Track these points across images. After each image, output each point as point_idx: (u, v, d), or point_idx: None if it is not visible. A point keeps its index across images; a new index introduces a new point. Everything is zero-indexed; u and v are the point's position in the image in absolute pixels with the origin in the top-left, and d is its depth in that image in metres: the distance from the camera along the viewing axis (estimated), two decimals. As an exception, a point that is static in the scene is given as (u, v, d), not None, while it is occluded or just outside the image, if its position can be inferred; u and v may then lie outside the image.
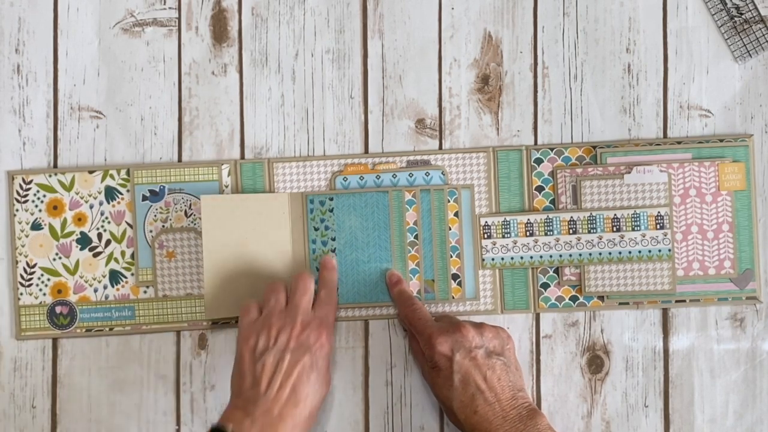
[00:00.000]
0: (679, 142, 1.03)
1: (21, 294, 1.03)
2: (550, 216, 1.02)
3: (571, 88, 1.04)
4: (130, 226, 1.04)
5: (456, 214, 1.03)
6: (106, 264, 1.03)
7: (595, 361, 1.03)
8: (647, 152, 1.02)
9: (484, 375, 0.93)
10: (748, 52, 1.03)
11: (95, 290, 1.03)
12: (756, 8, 1.03)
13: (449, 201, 1.03)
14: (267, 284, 0.98)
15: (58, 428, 1.03)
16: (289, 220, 1.02)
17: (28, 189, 1.04)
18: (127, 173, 1.04)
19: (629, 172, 1.02)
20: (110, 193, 1.04)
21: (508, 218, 1.03)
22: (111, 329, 1.03)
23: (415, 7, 1.05)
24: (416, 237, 1.03)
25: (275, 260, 1.02)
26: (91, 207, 1.04)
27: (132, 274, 1.04)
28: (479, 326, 0.96)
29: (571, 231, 1.02)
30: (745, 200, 1.02)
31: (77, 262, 1.03)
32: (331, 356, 0.98)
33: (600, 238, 1.02)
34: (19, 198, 1.04)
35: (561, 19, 1.05)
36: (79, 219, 1.04)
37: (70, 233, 1.04)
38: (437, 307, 1.03)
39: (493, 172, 1.03)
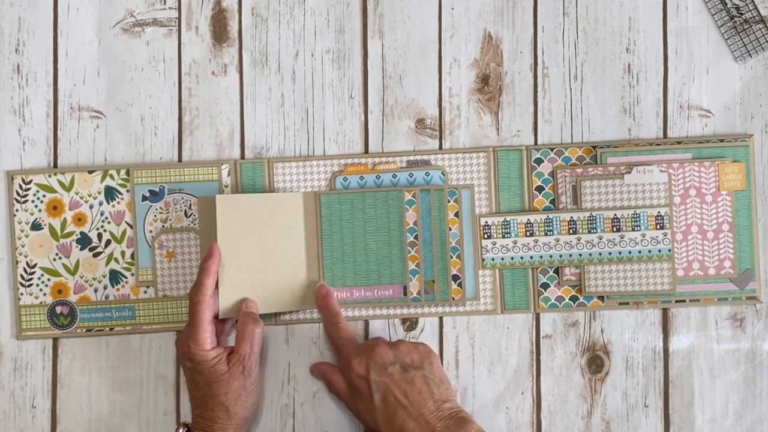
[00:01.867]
0: (679, 142, 1.03)
1: (21, 294, 1.03)
2: (550, 216, 1.02)
3: (571, 88, 1.04)
4: (130, 226, 1.04)
5: (456, 214, 1.03)
6: (106, 264, 1.03)
7: (595, 361, 1.03)
8: (647, 152, 1.02)
9: (404, 390, 0.92)
10: (748, 52, 1.03)
11: (95, 290, 1.03)
12: (756, 8, 1.03)
13: (449, 201, 1.03)
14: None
15: (58, 428, 1.03)
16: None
17: (28, 189, 1.04)
18: (127, 173, 1.04)
19: (629, 172, 1.02)
20: (110, 193, 1.04)
21: (508, 218, 1.03)
22: (111, 329, 1.03)
23: (415, 7, 1.05)
24: (416, 237, 1.03)
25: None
26: (91, 207, 1.04)
27: (132, 274, 1.04)
28: (395, 343, 0.96)
29: (571, 231, 1.02)
30: (745, 200, 1.02)
31: (77, 262, 1.03)
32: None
33: (600, 238, 1.02)
34: (18, 198, 1.04)
35: (561, 19, 1.05)
36: (79, 219, 1.04)
37: (70, 233, 1.04)
38: (437, 308, 1.03)
39: (493, 172, 1.03)
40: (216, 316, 0.97)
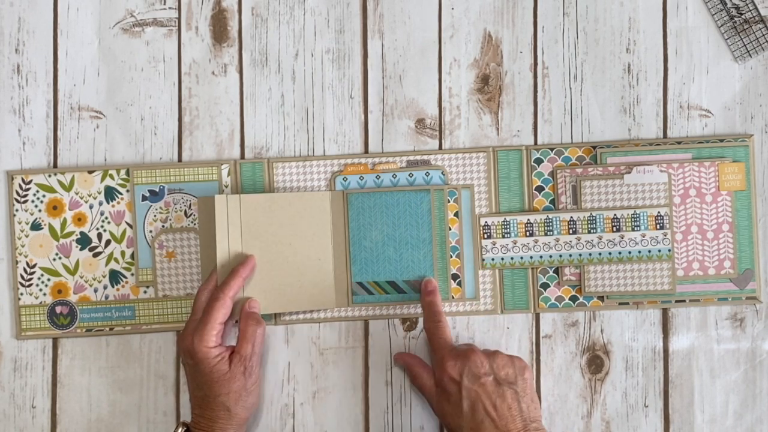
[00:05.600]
0: (679, 142, 1.03)
1: (21, 294, 1.03)
2: (550, 216, 1.02)
3: (571, 88, 1.04)
4: (130, 226, 1.04)
5: (456, 214, 1.03)
6: (106, 264, 1.04)
7: (595, 361, 1.03)
8: (647, 152, 1.02)
9: (494, 403, 0.92)
10: (748, 52, 1.03)
11: (95, 290, 1.03)
12: (756, 8, 1.03)
13: (449, 201, 1.03)
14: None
15: (58, 428, 1.03)
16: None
17: (28, 189, 1.04)
18: (127, 173, 1.04)
19: (629, 172, 1.02)
20: (110, 193, 1.04)
21: (508, 218, 1.03)
22: (111, 329, 1.03)
23: (415, 7, 1.05)
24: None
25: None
26: (91, 207, 1.04)
27: (132, 274, 1.04)
28: (492, 353, 0.95)
29: (571, 231, 1.02)
30: (745, 200, 1.02)
31: (77, 262, 1.03)
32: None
33: (600, 238, 1.02)
34: (18, 198, 1.04)
35: (561, 19, 1.05)
36: (79, 219, 1.04)
37: (70, 233, 1.04)
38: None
39: (493, 172, 1.03)
40: (227, 320, 0.97)
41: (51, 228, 1.04)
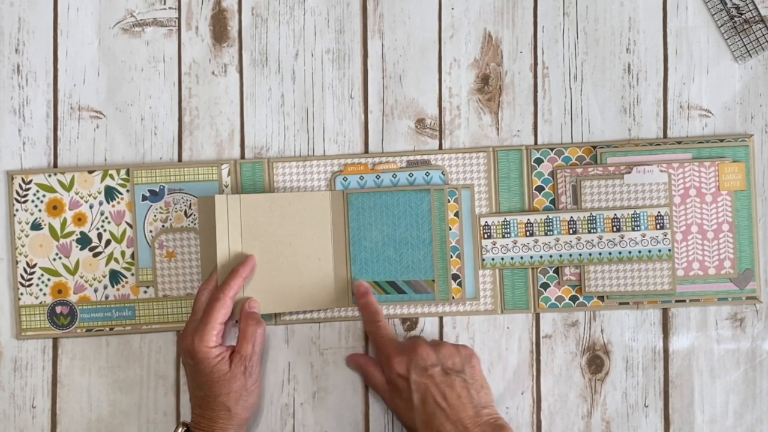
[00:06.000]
0: (679, 142, 1.03)
1: (21, 294, 1.03)
2: (550, 216, 1.02)
3: (571, 88, 1.04)
4: (130, 226, 1.04)
5: (456, 214, 1.03)
6: (106, 264, 1.03)
7: (595, 361, 1.03)
8: (647, 152, 1.02)
9: (443, 393, 0.92)
10: (748, 52, 1.03)
11: (95, 290, 1.03)
12: (756, 8, 1.03)
13: (449, 201, 1.03)
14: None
15: (58, 428, 1.03)
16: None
17: (28, 189, 1.04)
18: (127, 173, 1.04)
19: (629, 172, 1.02)
20: (110, 193, 1.04)
21: (508, 218, 1.03)
22: (111, 329, 1.03)
23: (415, 7, 1.05)
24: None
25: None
26: (91, 207, 1.04)
27: (132, 274, 1.04)
28: (437, 344, 0.96)
29: (571, 231, 1.02)
30: (745, 200, 1.02)
31: (77, 262, 1.03)
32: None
33: (600, 238, 1.02)
34: (18, 198, 1.04)
35: (561, 19, 1.05)
36: (79, 219, 1.04)
37: (70, 233, 1.04)
38: (437, 308, 1.03)
39: (493, 172, 1.03)
40: (227, 320, 0.97)
41: (51, 228, 1.04)
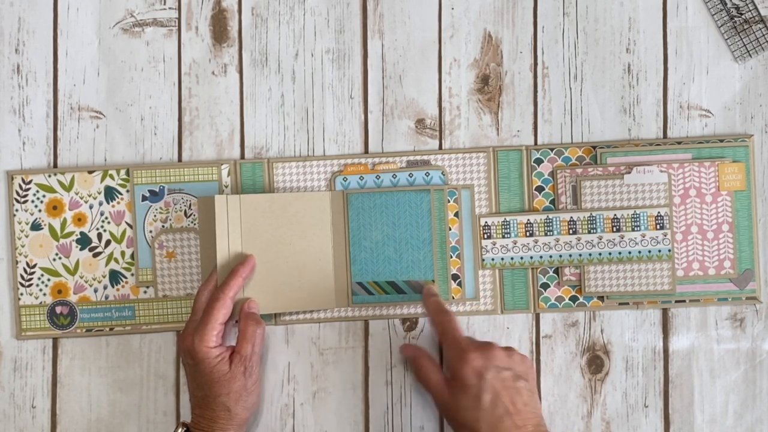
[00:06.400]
0: (679, 142, 1.03)
1: (21, 294, 1.03)
2: (550, 216, 1.02)
3: (571, 88, 1.04)
4: (130, 226, 1.04)
5: (456, 214, 1.03)
6: (106, 264, 1.04)
7: (595, 361, 1.03)
8: (647, 152, 1.02)
9: (512, 398, 0.91)
10: (748, 52, 1.03)
11: (95, 290, 1.03)
12: (756, 8, 1.03)
13: (449, 201, 1.03)
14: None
15: (58, 428, 1.03)
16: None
17: (28, 189, 1.04)
18: (127, 173, 1.04)
19: (629, 172, 1.02)
20: (110, 193, 1.04)
21: (508, 218, 1.03)
22: (111, 329, 1.03)
23: (415, 7, 1.05)
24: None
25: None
26: (91, 207, 1.04)
27: (132, 274, 1.04)
28: (509, 349, 0.95)
29: (571, 231, 1.02)
30: (745, 200, 1.02)
31: (77, 263, 1.03)
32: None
33: (600, 238, 1.02)
34: (18, 198, 1.04)
35: (561, 19, 1.05)
36: (79, 219, 1.04)
37: (70, 233, 1.04)
38: (437, 307, 1.03)
39: (493, 172, 1.03)
40: (227, 320, 0.97)
41: (51, 228, 1.04)
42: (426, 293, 1.00)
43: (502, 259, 1.03)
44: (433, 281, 1.02)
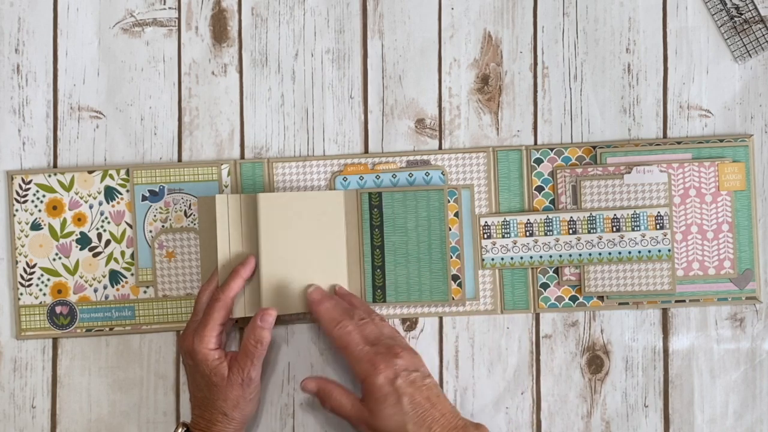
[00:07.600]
0: (679, 142, 1.03)
1: (21, 294, 1.03)
2: (550, 216, 1.02)
3: (571, 88, 1.04)
4: (130, 226, 1.04)
5: (456, 214, 1.03)
6: (106, 264, 1.04)
7: (595, 361, 1.03)
8: (647, 152, 1.02)
9: (426, 395, 0.93)
10: (748, 52, 1.03)
11: (95, 290, 1.03)
12: (756, 8, 1.03)
13: (449, 201, 1.03)
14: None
15: (58, 428, 1.03)
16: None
17: (28, 189, 1.04)
18: (127, 173, 1.04)
19: (629, 172, 1.02)
20: (110, 193, 1.04)
21: (508, 218, 1.03)
22: (111, 329, 1.03)
23: (415, 7, 1.05)
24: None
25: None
26: (91, 207, 1.04)
27: (132, 274, 1.04)
28: (406, 347, 0.95)
29: (570, 231, 1.02)
30: (745, 200, 1.02)
31: (77, 262, 1.03)
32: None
33: (600, 238, 1.02)
34: (18, 198, 1.04)
35: (561, 19, 1.05)
36: (79, 219, 1.04)
37: (70, 233, 1.04)
38: (437, 308, 1.03)
39: (493, 172, 1.03)
40: (226, 321, 0.97)
41: (51, 228, 1.04)
42: (310, 302, 0.97)
43: (502, 259, 1.03)
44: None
